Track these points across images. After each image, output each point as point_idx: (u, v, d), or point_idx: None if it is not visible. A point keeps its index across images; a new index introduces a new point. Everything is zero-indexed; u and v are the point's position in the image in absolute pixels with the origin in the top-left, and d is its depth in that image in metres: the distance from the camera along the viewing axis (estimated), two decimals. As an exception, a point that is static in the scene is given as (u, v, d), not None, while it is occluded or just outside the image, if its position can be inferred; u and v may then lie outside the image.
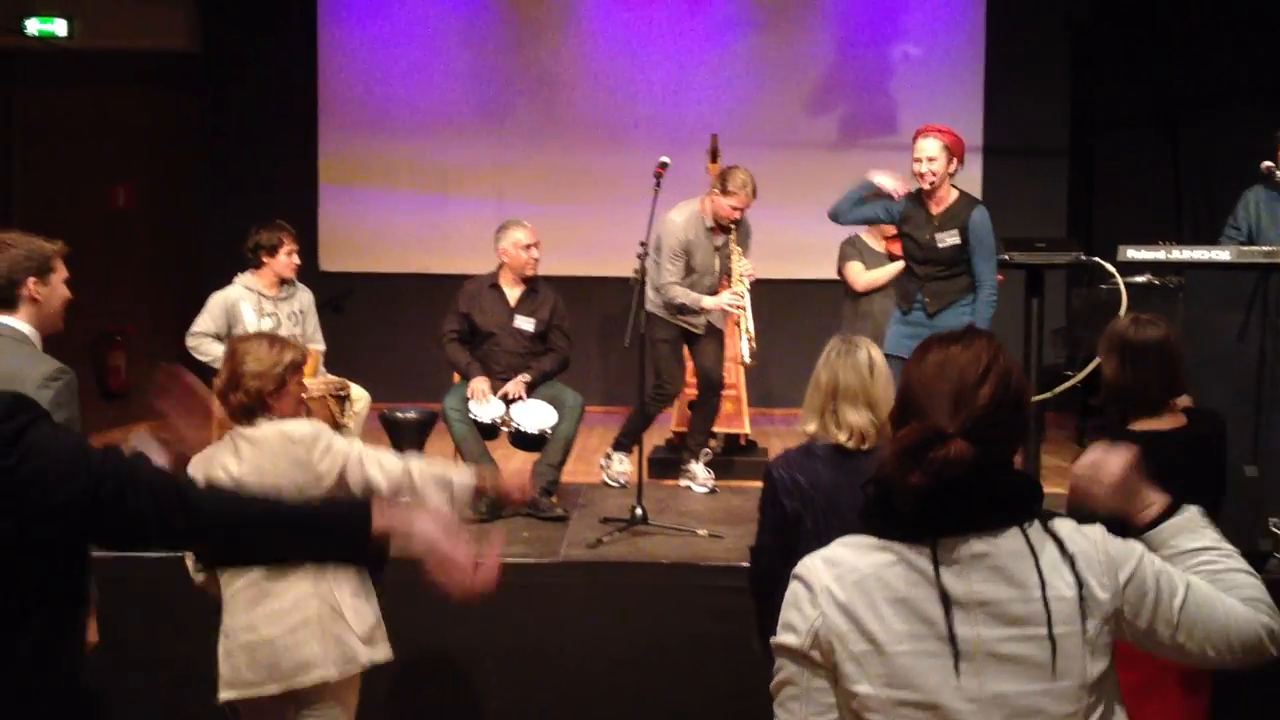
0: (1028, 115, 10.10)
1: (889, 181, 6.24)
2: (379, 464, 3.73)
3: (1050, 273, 6.19)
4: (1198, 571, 2.09)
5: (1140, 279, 6.99)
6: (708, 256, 6.76)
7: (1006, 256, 6.04)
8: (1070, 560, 1.95)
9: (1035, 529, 1.97)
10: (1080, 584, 1.94)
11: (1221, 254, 5.69)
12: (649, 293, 6.79)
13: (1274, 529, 5.08)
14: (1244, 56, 9.21)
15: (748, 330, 6.58)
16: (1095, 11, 10.22)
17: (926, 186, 6.01)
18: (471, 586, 2.18)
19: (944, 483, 1.91)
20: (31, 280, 3.81)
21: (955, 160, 6.05)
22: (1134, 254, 5.87)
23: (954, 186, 6.10)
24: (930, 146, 6.01)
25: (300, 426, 3.78)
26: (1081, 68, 10.35)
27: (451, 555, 2.17)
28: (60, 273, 3.92)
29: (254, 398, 3.74)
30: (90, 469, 1.99)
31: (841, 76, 10.24)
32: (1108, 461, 2.25)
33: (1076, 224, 10.14)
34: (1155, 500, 2.22)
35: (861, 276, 7.16)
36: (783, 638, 2.01)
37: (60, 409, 3.66)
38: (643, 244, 6.27)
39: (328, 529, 2.19)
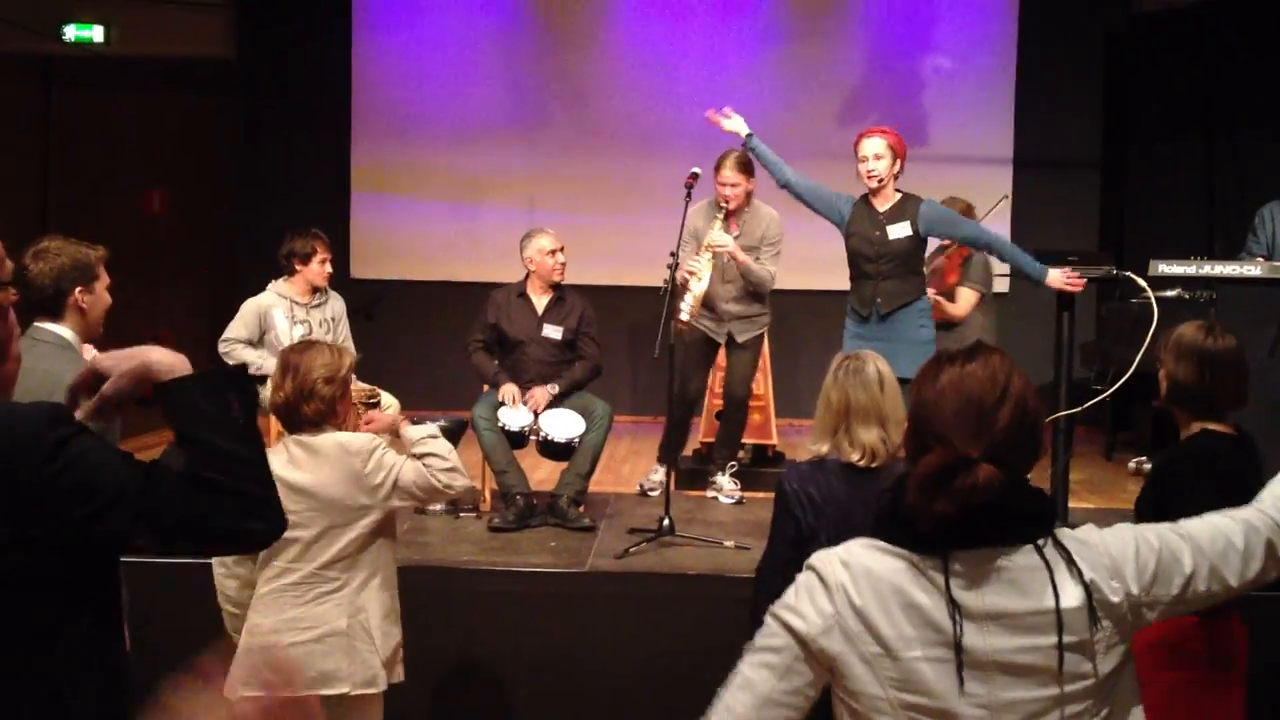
0: (1059, 127, 10.07)
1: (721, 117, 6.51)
2: (418, 470, 3.84)
3: (1081, 286, 6.17)
4: None
5: (1171, 293, 6.94)
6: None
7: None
8: (1078, 571, 1.95)
9: (1049, 545, 1.98)
10: (1090, 593, 1.94)
11: (1252, 269, 5.68)
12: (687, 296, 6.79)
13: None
14: (1278, 71, 9.16)
15: (691, 292, 6.43)
16: (1129, 23, 10.19)
17: (872, 185, 6.02)
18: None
19: (970, 508, 1.92)
20: (78, 290, 3.86)
21: (899, 161, 6.05)
22: (1164, 268, 5.85)
23: (898, 190, 6.09)
24: (875, 145, 6.02)
25: (357, 439, 3.82)
26: (1114, 80, 10.31)
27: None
28: (103, 280, 3.96)
29: (328, 404, 3.78)
30: (133, 477, 2.01)
31: (872, 88, 10.24)
32: None
33: (1108, 237, 10.09)
34: None
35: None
36: (789, 618, 2.00)
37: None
38: (673, 254, 6.28)
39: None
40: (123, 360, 2.07)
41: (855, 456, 3.59)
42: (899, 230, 6.00)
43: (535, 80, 10.40)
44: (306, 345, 3.93)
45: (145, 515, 1.98)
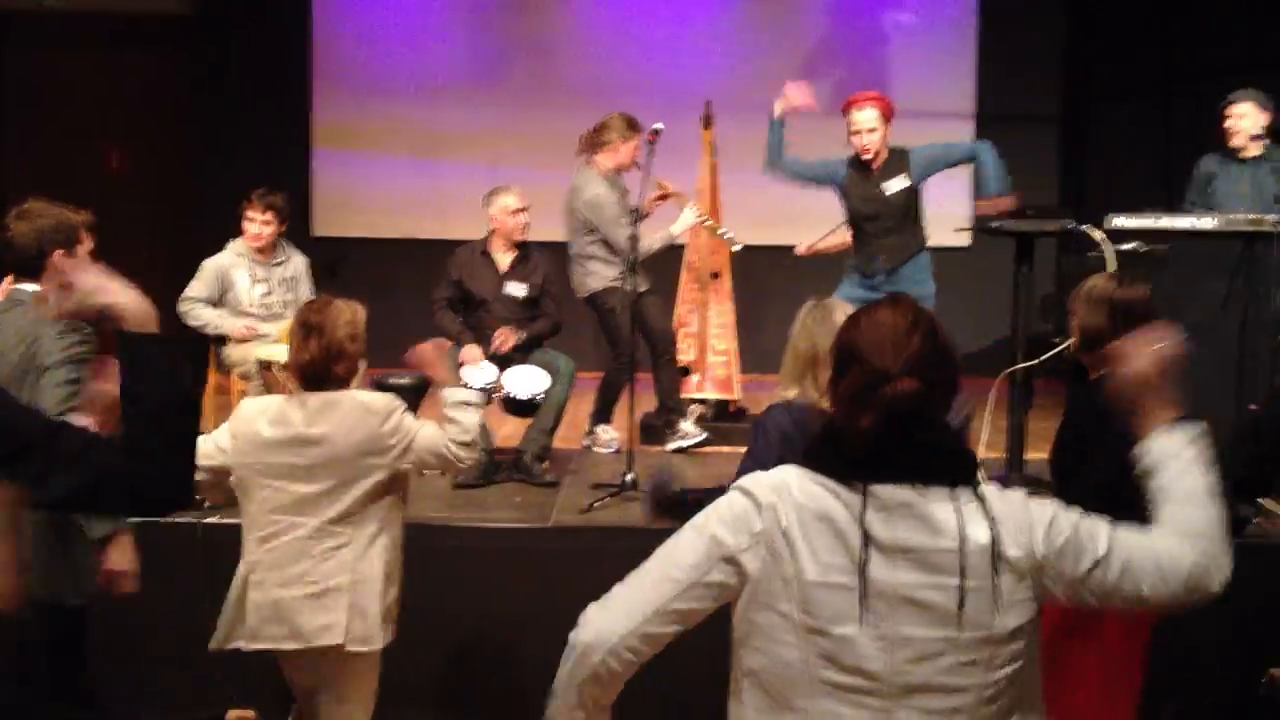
0: (1020, 82, 10.09)
1: (796, 96, 6.31)
2: (434, 437, 3.84)
3: (1040, 240, 6.23)
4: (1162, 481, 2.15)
5: (1128, 246, 7.02)
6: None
7: (996, 224, 6.07)
8: (990, 520, 2.04)
9: (965, 491, 2.07)
10: (995, 541, 2.02)
11: (1207, 222, 5.73)
12: (592, 266, 6.77)
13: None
14: (1241, 30, 9.19)
15: (720, 229, 6.85)
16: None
17: (868, 157, 6.09)
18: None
19: (892, 422, 2.02)
20: (59, 253, 3.85)
21: (888, 124, 6.18)
22: (1121, 221, 5.91)
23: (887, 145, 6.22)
24: (869, 117, 6.11)
25: (379, 399, 3.81)
26: (1076, 35, 10.33)
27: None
28: (85, 244, 3.96)
29: (355, 361, 3.81)
30: (45, 430, 1.99)
31: (834, 43, 10.23)
32: (1146, 350, 2.24)
33: (1068, 192, 10.14)
34: (1168, 407, 2.22)
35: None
36: (720, 532, 2.11)
37: (75, 366, 3.69)
38: (634, 209, 6.30)
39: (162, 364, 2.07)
40: (99, 290, 2.05)
41: (826, 403, 3.63)
42: (896, 184, 6.10)
43: (497, 36, 10.34)
44: (324, 304, 3.90)
45: (56, 469, 1.97)
